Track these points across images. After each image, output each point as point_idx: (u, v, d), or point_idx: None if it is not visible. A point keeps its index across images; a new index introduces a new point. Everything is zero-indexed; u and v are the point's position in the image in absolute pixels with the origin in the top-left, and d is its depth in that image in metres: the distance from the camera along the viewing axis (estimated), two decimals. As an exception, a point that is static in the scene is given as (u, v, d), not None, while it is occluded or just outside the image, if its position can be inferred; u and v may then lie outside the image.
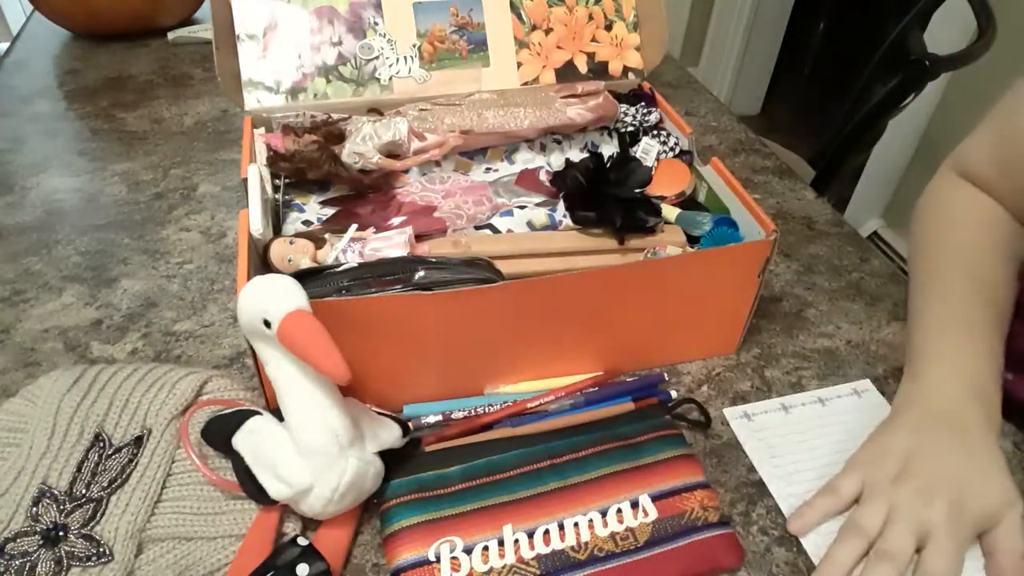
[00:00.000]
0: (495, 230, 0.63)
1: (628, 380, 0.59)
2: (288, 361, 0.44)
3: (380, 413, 0.51)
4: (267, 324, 0.43)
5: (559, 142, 0.71)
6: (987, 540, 0.47)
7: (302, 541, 0.44)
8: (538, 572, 0.45)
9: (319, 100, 0.66)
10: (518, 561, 0.46)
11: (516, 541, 0.46)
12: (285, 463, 0.44)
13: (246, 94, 0.65)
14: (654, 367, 0.62)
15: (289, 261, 0.54)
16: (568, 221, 0.64)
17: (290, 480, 0.44)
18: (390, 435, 0.49)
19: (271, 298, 0.43)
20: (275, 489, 0.45)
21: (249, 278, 0.47)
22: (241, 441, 0.47)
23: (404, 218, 0.61)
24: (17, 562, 0.43)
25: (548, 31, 0.72)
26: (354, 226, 0.57)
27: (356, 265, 0.52)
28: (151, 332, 0.64)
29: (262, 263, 0.54)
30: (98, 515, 0.45)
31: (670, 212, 0.63)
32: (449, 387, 0.56)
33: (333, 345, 0.42)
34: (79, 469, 0.46)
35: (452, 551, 0.46)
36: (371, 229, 0.58)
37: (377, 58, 0.68)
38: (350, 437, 0.45)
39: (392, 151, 0.63)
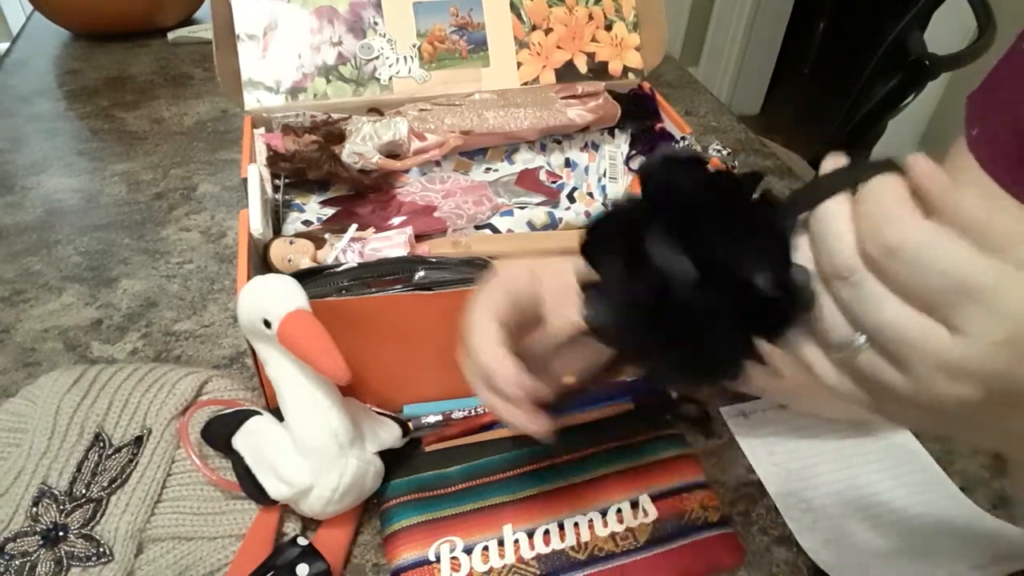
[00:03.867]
0: (495, 230, 0.63)
1: (628, 380, 0.59)
2: (288, 361, 0.44)
3: (380, 413, 0.51)
4: (267, 324, 0.43)
5: (559, 142, 0.71)
6: None
7: (302, 541, 0.44)
8: (538, 572, 0.45)
9: (319, 100, 0.66)
10: (518, 561, 0.46)
11: (516, 541, 0.46)
12: (285, 463, 0.44)
13: (246, 94, 0.65)
14: (654, 367, 0.62)
15: (289, 261, 0.54)
16: (569, 218, 0.64)
17: (290, 480, 0.44)
18: (390, 435, 0.49)
19: (271, 298, 0.43)
20: (275, 489, 0.45)
21: (249, 278, 0.47)
22: (241, 441, 0.47)
23: (404, 218, 0.61)
24: (17, 562, 0.43)
25: (548, 31, 0.72)
26: (354, 226, 0.57)
27: (356, 265, 0.52)
28: (151, 332, 0.64)
29: (262, 263, 0.54)
30: (98, 515, 0.45)
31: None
32: (449, 387, 0.56)
33: (333, 345, 0.42)
34: (79, 469, 0.46)
35: (452, 551, 0.46)
36: (371, 229, 0.58)
37: (377, 58, 0.68)
38: (350, 437, 0.45)
39: (392, 151, 0.63)
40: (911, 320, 0.25)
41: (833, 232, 0.26)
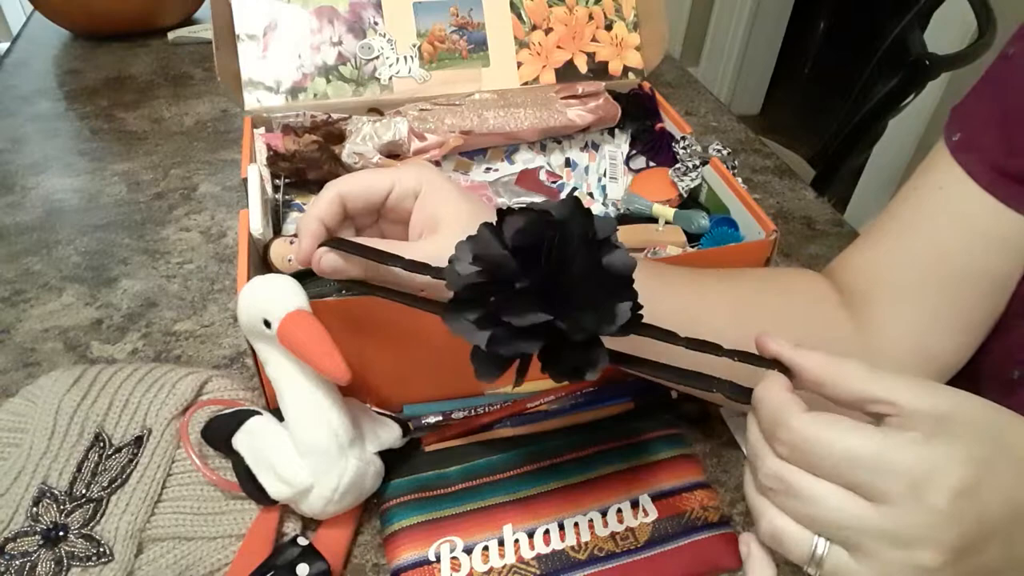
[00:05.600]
0: (495, 230, 0.63)
1: (628, 380, 0.59)
2: (288, 361, 0.44)
3: (380, 413, 0.51)
4: (267, 324, 0.43)
5: (559, 142, 0.71)
6: None
7: (302, 541, 0.44)
8: (538, 572, 0.45)
9: (319, 100, 0.66)
10: (518, 561, 0.46)
11: (516, 541, 0.46)
12: (285, 463, 0.44)
13: (246, 94, 0.65)
14: (654, 367, 0.62)
15: (289, 261, 0.53)
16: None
17: (290, 480, 0.44)
18: (390, 435, 0.49)
19: (271, 298, 0.43)
20: (275, 489, 0.45)
21: (249, 278, 0.47)
22: (241, 441, 0.47)
23: (404, 218, 0.61)
24: (17, 562, 0.43)
25: (548, 31, 0.72)
26: (354, 226, 0.57)
27: (356, 265, 0.52)
28: (151, 332, 0.64)
29: (262, 263, 0.54)
30: (98, 515, 0.45)
31: (669, 212, 0.63)
32: (449, 387, 0.56)
33: (333, 345, 0.42)
34: (79, 469, 0.46)
35: (452, 551, 0.46)
36: (371, 229, 0.58)
37: (377, 58, 0.68)
38: (350, 437, 0.45)
39: (392, 151, 0.63)
40: (838, 500, 0.28)
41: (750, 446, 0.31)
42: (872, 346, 0.48)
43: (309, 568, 0.43)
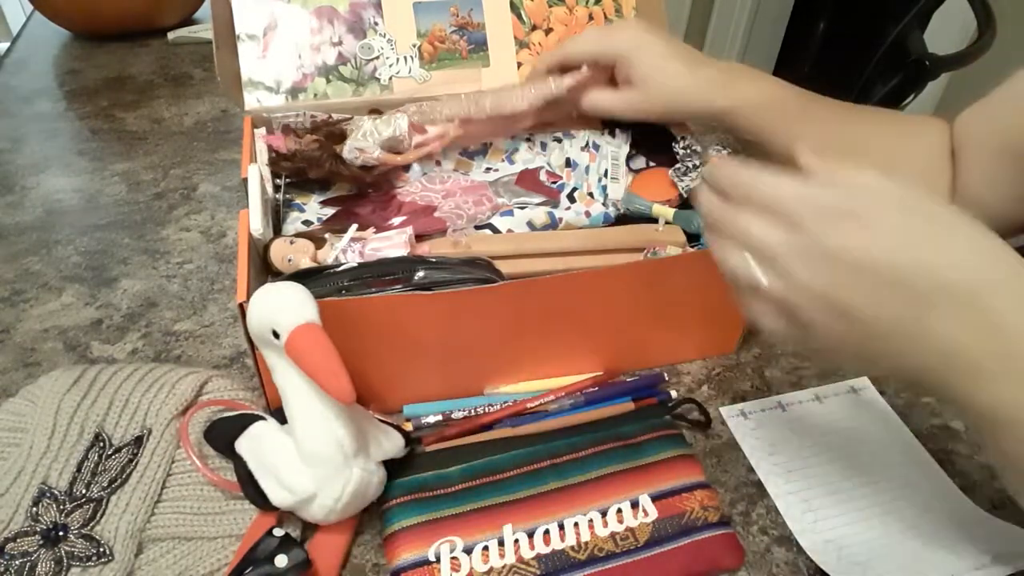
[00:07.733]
0: (495, 230, 0.63)
1: (628, 380, 0.59)
2: (295, 371, 0.44)
3: (383, 421, 0.50)
4: (275, 335, 0.42)
5: (559, 140, 0.70)
6: None
7: (278, 532, 0.44)
8: (538, 572, 0.45)
9: (319, 100, 0.66)
10: (518, 561, 0.46)
11: (516, 541, 0.46)
12: (289, 471, 0.44)
13: (246, 94, 0.65)
14: (654, 367, 0.62)
15: (289, 261, 0.54)
16: (569, 218, 0.64)
17: (294, 488, 0.44)
18: (393, 445, 0.48)
19: (282, 308, 0.42)
20: (278, 496, 0.45)
21: (249, 278, 0.47)
22: (244, 446, 0.47)
23: (404, 218, 0.61)
24: (17, 562, 0.43)
25: (548, 31, 0.72)
26: (354, 226, 0.57)
27: (356, 265, 0.52)
28: (151, 332, 0.64)
29: (262, 263, 0.54)
30: (98, 515, 0.45)
31: (669, 212, 0.63)
32: (449, 387, 0.56)
33: (340, 365, 0.41)
34: (79, 469, 0.46)
35: (452, 551, 0.46)
36: (371, 229, 0.58)
37: (377, 58, 0.68)
38: (355, 448, 0.44)
39: (393, 147, 0.63)
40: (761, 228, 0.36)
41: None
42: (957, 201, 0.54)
43: (287, 557, 0.43)
